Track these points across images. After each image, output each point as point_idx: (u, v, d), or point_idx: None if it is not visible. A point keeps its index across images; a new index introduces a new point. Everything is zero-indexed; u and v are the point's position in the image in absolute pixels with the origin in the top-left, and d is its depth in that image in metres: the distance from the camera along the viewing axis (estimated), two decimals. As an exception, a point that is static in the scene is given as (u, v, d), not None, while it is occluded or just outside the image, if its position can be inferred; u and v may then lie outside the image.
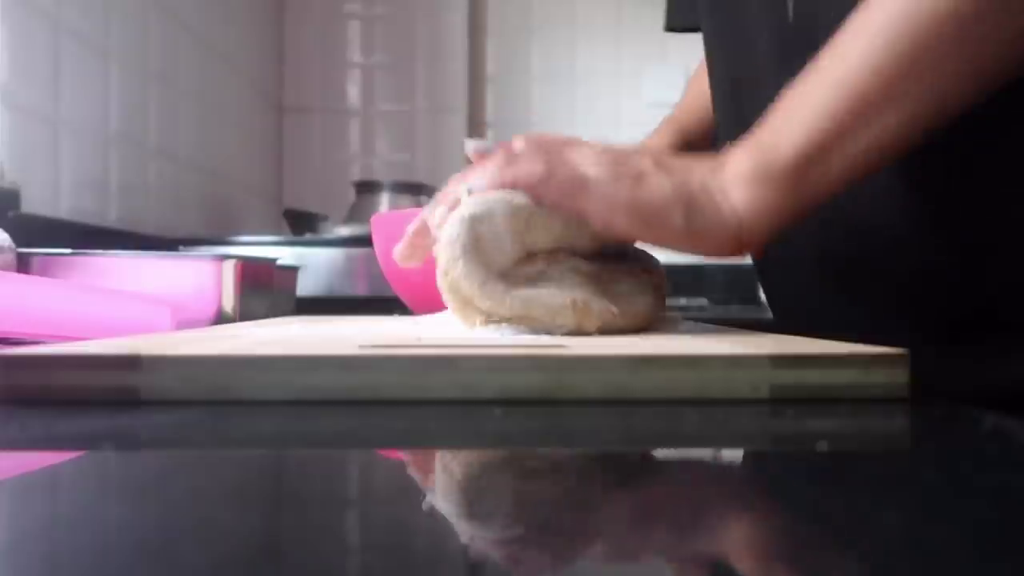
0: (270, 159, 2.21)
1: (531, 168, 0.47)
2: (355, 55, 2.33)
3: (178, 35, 1.56)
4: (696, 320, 0.66)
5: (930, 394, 0.36)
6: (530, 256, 0.48)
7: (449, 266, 0.45)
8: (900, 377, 0.35)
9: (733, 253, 0.49)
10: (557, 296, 0.46)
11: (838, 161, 0.45)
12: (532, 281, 0.47)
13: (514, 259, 0.47)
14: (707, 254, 0.49)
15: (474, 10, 2.36)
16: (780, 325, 0.69)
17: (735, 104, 0.65)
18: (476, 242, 0.45)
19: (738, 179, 0.47)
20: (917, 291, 0.55)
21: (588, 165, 0.48)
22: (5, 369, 0.33)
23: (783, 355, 0.35)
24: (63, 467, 0.26)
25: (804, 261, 0.61)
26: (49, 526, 0.21)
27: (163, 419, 0.31)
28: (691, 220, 0.47)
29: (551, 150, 0.49)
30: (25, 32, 1.06)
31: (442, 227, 0.47)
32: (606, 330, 0.48)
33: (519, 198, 0.47)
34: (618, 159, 0.48)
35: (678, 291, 1.99)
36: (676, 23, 0.83)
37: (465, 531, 0.21)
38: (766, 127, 0.48)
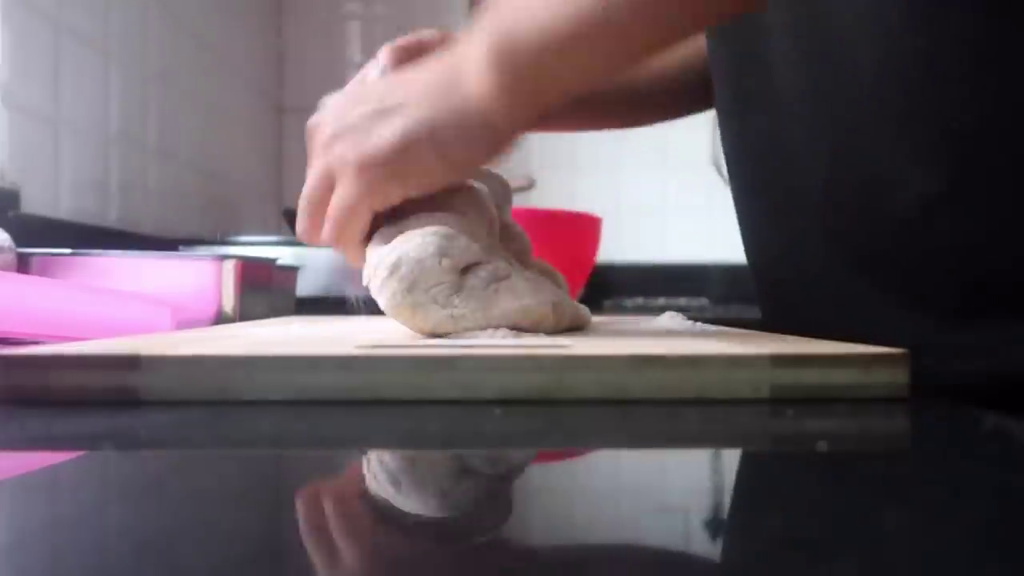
0: (270, 159, 2.21)
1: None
2: (355, 55, 2.33)
3: (178, 35, 1.56)
4: (696, 320, 0.66)
5: (936, 382, 0.36)
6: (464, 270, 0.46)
7: (380, 295, 0.45)
8: (900, 377, 0.35)
9: (492, 153, 0.49)
10: (525, 300, 0.46)
11: (578, 55, 0.46)
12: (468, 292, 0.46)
13: (446, 279, 0.45)
14: (473, 164, 0.49)
15: (474, 10, 2.36)
16: (772, 323, 0.69)
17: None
18: (401, 279, 0.44)
19: (479, 62, 0.47)
20: (926, 274, 0.54)
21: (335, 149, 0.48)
22: (5, 369, 0.33)
23: (783, 355, 0.35)
24: (63, 467, 0.26)
25: (808, 250, 0.61)
26: (49, 526, 0.21)
27: (163, 419, 0.31)
28: (446, 153, 0.47)
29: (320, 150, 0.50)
30: (25, 32, 1.06)
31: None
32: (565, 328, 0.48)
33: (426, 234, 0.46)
34: (345, 121, 0.48)
35: (678, 291, 1.99)
36: None
37: (463, 531, 0.21)
38: (494, 15, 0.48)
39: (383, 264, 0.45)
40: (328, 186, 0.48)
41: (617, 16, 0.45)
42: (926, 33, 0.51)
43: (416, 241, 0.45)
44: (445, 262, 0.44)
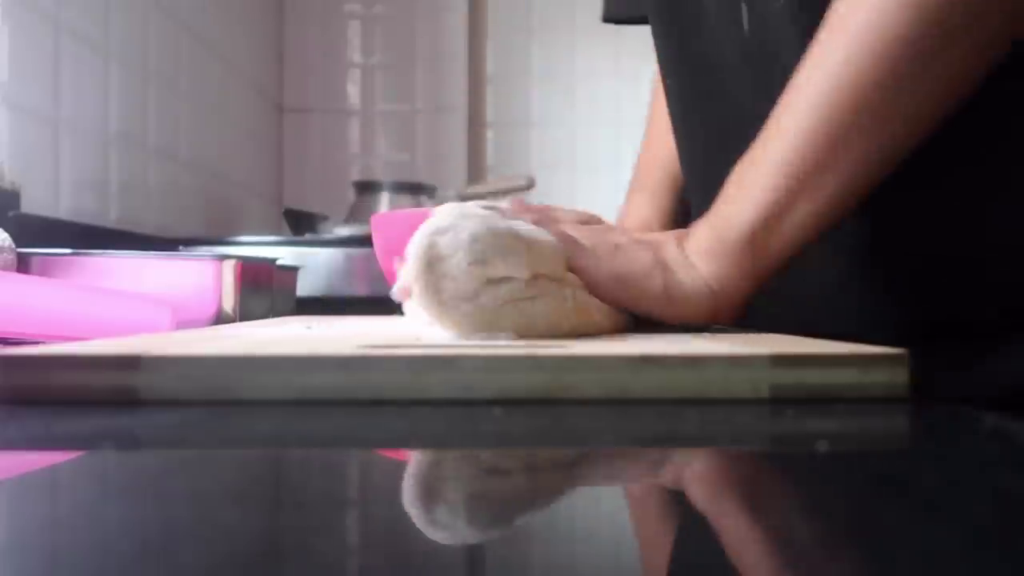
0: (270, 159, 2.21)
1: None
2: (355, 55, 2.33)
3: (178, 35, 1.56)
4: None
5: (929, 394, 0.36)
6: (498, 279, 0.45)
7: (411, 286, 0.44)
8: (900, 377, 0.35)
9: (710, 318, 0.52)
10: (550, 303, 0.45)
11: (788, 229, 0.49)
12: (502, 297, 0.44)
13: (478, 277, 0.44)
14: (685, 319, 0.51)
15: (474, 10, 2.36)
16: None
17: (700, 116, 0.66)
18: (435, 261, 0.43)
19: (700, 253, 0.51)
20: (920, 284, 0.55)
21: (566, 224, 0.52)
22: (5, 369, 0.33)
23: (783, 355, 0.35)
24: (63, 467, 0.26)
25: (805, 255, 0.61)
26: (49, 526, 0.21)
27: (163, 419, 0.31)
28: (669, 287, 0.50)
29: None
30: (25, 32, 1.06)
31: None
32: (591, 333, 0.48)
33: (491, 220, 0.46)
34: (596, 232, 0.53)
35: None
36: (613, 14, 0.81)
37: (462, 531, 0.21)
38: (721, 201, 0.51)
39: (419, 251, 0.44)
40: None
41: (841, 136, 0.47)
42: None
43: (469, 230, 0.44)
44: (477, 269, 0.43)
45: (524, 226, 0.47)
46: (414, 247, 0.44)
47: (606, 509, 0.23)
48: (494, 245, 0.44)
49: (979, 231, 0.54)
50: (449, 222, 0.45)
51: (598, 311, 0.49)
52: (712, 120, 0.64)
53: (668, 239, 0.53)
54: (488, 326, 0.43)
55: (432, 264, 0.43)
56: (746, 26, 0.58)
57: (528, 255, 0.45)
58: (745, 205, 0.49)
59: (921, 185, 0.53)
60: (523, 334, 0.44)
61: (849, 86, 0.47)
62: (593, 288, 0.50)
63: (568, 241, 0.50)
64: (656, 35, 0.70)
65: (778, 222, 0.48)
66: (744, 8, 0.58)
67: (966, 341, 0.54)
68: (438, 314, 0.43)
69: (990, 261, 0.54)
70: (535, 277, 0.45)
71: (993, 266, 0.54)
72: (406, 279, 0.44)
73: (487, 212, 0.48)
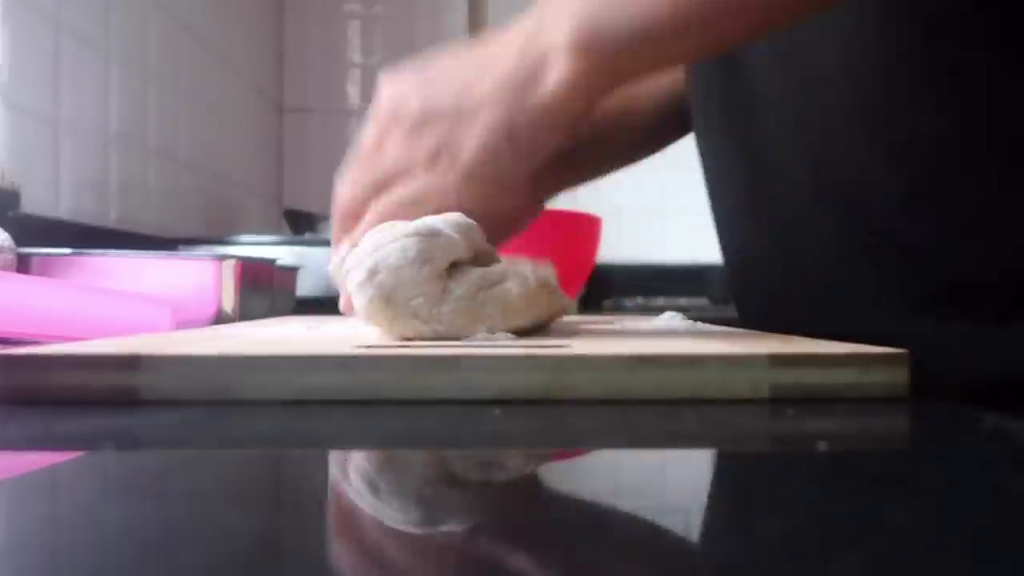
0: (270, 159, 2.21)
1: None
2: (355, 55, 2.33)
3: (178, 35, 1.56)
4: (696, 320, 0.66)
5: (935, 379, 0.36)
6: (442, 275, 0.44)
7: (356, 297, 0.43)
8: (900, 377, 0.35)
9: (565, 139, 0.49)
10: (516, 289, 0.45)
11: (661, 51, 0.47)
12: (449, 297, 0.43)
13: (427, 290, 0.43)
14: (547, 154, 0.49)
15: (474, 10, 2.36)
16: (749, 324, 0.68)
17: (727, 117, 0.65)
18: (379, 286, 0.42)
19: (566, 52, 0.46)
20: (904, 273, 0.54)
21: (397, 152, 0.50)
22: (5, 369, 0.33)
23: (783, 355, 0.35)
24: (63, 467, 0.26)
25: (794, 252, 0.61)
26: (49, 526, 0.21)
27: (163, 419, 0.31)
28: (525, 152, 0.48)
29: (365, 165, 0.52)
30: (25, 32, 1.06)
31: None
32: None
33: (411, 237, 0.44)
34: (419, 118, 0.50)
35: (678, 291, 1.99)
36: None
37: (462, 531, 0.21)
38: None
39: (361, 267, 0.42)
40: (381, 175, 0.50)
41: (712, 10, 0.45)
42: (881, 39, 0.52)
43: (395, 245, 0.42)
44: (426, 269, 0.42)
45: (428, 218, 0.45)
46: (357, 298, 0.43)
47: (605, 509, 0.23)
48: (425, 240, 0.43)
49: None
50: (366, 246, 0.43)
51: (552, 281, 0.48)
52: (740, 120, 0.63)
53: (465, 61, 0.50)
54: (472, 320, 0.43)
55: (386, 294, 0.42)
56: None
57: (459, 238, 0.44)
58: (632, 12, 0.46)
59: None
60: (510, 323, 0.44)
61: None
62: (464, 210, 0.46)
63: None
64: None
65: (666, 42, 0.46)
66: None
67: (977, 320, 0.52)
68: (422, 329, 0.43)
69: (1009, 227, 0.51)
70: (476, 257, 0.46)
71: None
72: (369, 320, 0.43)
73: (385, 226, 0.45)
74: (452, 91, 0.49)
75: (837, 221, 0.57)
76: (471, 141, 0.48)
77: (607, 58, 0.46)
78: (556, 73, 0.46)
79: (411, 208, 0.49)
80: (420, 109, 0.49)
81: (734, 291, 0.71)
